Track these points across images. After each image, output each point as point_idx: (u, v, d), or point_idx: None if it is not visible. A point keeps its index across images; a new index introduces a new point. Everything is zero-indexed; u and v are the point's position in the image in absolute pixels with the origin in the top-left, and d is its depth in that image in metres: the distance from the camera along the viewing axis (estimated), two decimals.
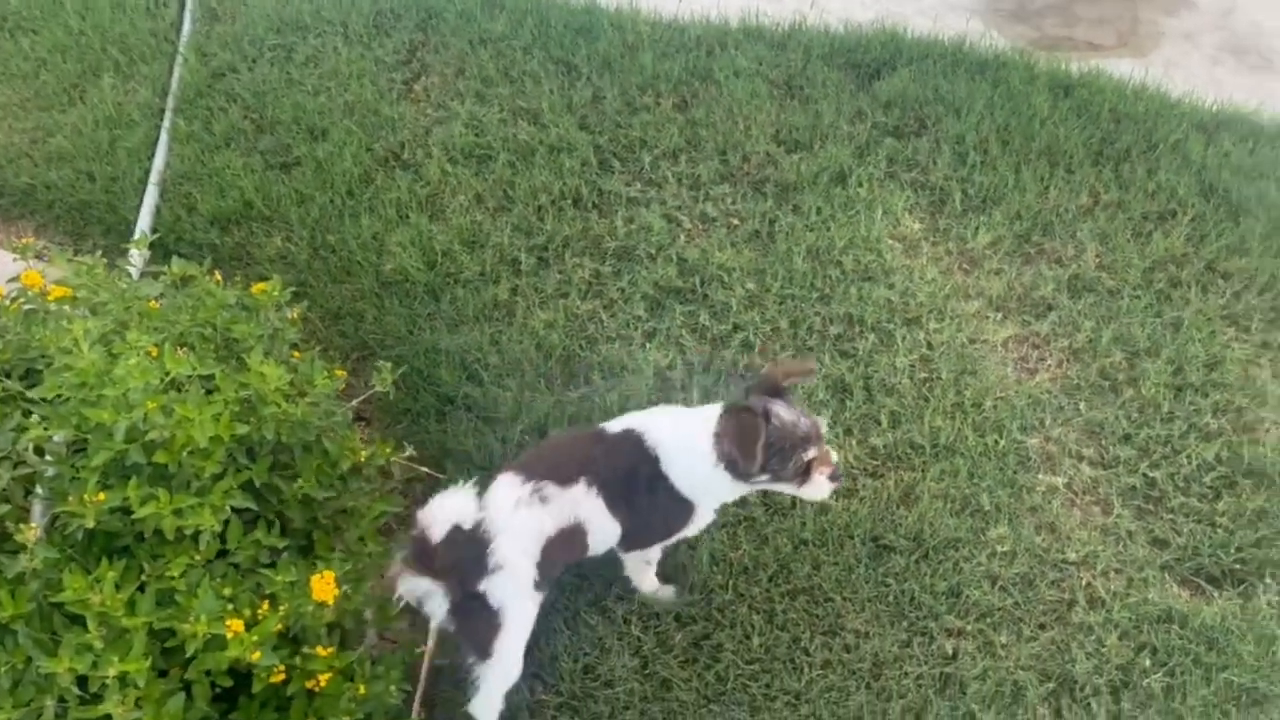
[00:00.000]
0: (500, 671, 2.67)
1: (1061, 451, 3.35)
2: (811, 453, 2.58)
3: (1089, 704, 2.77)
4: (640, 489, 2.67)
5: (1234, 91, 4.75)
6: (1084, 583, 3.03)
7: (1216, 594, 3.02)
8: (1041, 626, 2.94)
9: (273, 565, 2.52)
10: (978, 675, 2.82)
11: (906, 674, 2.87)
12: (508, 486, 2.61)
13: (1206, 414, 3.39)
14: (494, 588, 2.53)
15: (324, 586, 2.41)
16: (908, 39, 4.87)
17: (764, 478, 2.62)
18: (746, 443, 2.52)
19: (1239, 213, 4.03)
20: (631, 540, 2.83)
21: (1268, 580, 3.01)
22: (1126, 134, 4.38)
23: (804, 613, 2.98)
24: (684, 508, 2.74)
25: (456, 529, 2.53)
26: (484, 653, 2.61)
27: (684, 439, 2.66)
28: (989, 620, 2.94)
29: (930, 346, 3.63)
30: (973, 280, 3.85)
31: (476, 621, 2.57)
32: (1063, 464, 3.32)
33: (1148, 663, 2.83)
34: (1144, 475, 3.27)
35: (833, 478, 2.65)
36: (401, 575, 2.56)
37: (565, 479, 2.62)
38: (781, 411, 2.56)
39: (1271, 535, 3.09)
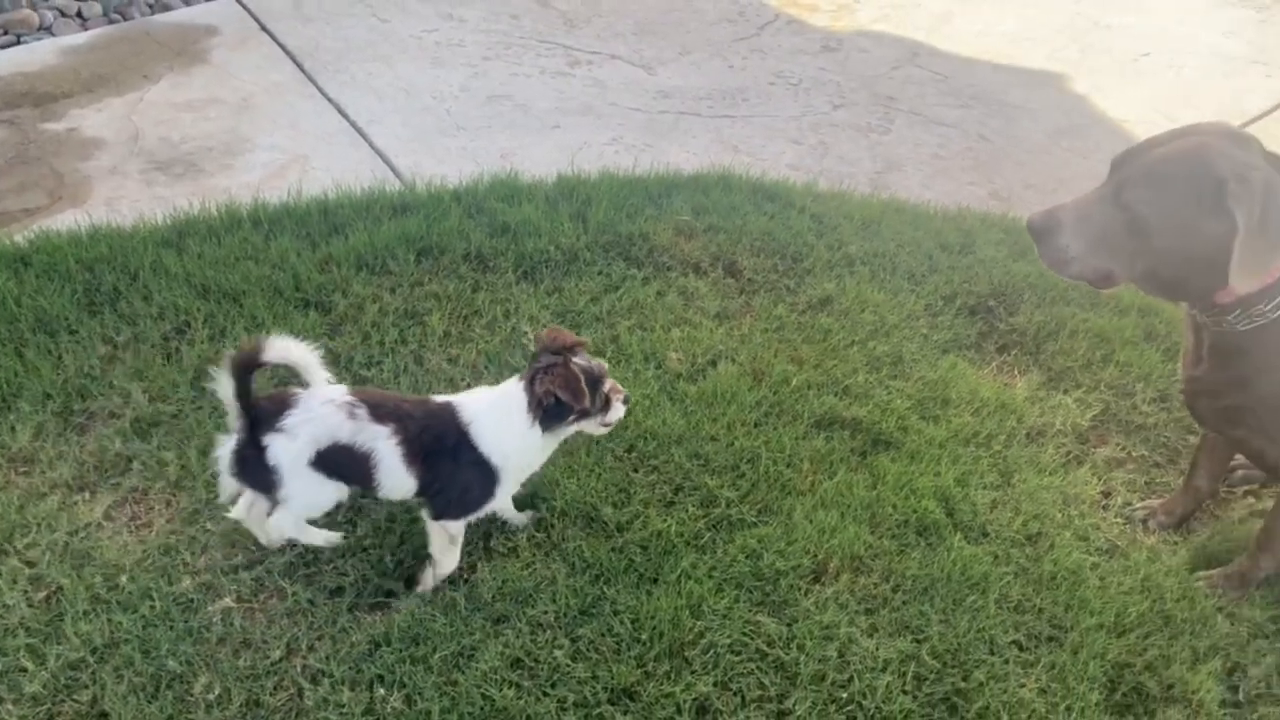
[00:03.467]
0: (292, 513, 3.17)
1: (218, 577, 3.37)
2: (608, 385, 3.19)
3: None
4: (445, 455, 3.08)
5: (177, 200, 5.14)
6: (299, 669, 3.13)
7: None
8: None
9: None
10: None
11: None
12: (334, 390, 3.06)
13: None
14: (274, 448, 2.95)
15: None
16: None
17: (572, 417, 3.14)
18: (574, 386, 3.02)
19: (238, 298, 4.41)
20: (437, 505, 3.17)
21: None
22: (107, 276, 4.44)
23: None
24: (488, 476, 3.13)
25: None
26: (270, 493, 3.08)
27: (495, 408, 3.13)
28: None
29: (31, 564, 3.31)
30: (37, 479, 3.59)
31: (255, 470, 2.99)
32: (223, 586, 3.34)
33: (381, 692, 3.06)
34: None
35: (624, 401, 3.27)
36: (226, 364, 2.86)
37: (379, 416, 3.03)
38: (578, 359, 3.11)
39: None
